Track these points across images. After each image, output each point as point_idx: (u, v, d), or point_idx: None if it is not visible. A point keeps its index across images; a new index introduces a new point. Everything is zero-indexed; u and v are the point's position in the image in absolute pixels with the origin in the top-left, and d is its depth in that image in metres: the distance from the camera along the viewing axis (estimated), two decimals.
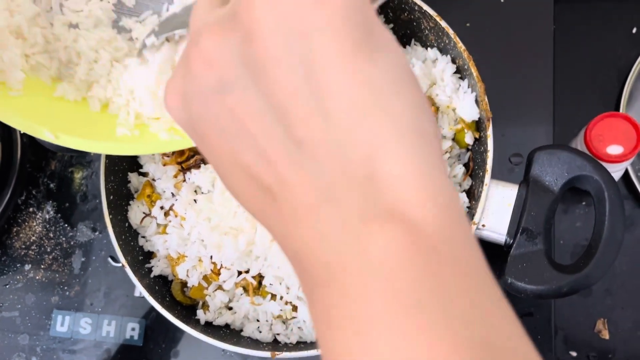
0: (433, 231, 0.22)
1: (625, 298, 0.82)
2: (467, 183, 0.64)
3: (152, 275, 0.67)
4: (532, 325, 0.72)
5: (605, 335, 0.82)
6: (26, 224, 0.91)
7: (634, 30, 0.91)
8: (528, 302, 0.72)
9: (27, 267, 0.89)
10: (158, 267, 0.67)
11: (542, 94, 0.79)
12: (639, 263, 0.83)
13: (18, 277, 0.89)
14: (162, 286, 0.68)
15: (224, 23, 0.24)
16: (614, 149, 0.75)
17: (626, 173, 0.85)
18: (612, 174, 0.80)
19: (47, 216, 0.91)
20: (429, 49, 0.66)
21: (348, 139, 0.22)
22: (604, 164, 0.74)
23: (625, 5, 0.92)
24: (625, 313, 0.82)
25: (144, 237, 0.69)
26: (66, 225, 0.90)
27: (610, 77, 0.89)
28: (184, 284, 0.66)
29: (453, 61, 0.65)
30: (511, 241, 0.56)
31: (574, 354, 0.83)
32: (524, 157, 0.77)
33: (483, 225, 0.58)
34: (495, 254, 0.61)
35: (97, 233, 0.88)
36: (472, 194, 0.63)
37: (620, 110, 0.87)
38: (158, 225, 0.67)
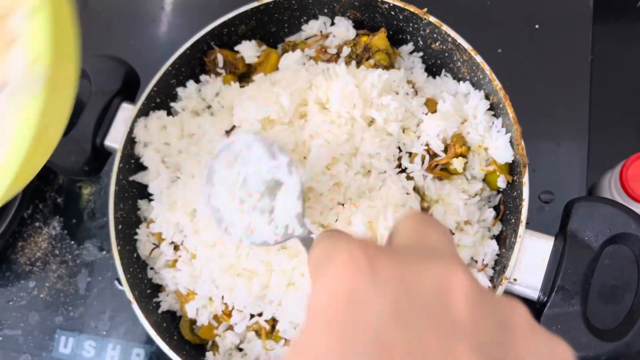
0: None
1: None
2: (497, 228, 0.60)
3: (160, 311, 0.64)
4: None
5: None
6: (32, 239, 0.88)
7: None
8: None
9: (32, 284, 0.87)
10: (166, 302, 0.64)
11: (577, 127, 0.74)
12: None
13: (22, 294, 0.86)
14: (170, 322, 0.64)
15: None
16: None
17: None
18: None
19: (53, 232, 0.88)
20: (460, 82, 0.62)
21: None
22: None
23: None
24: None
25: (152, 268, 0.66)
26: (72, 242, 0.87)
27: None
28: (193, 322, 0.63)
29: (486, 97, 0.61)
30: (545, 299, 0.52)
31: None
32: (555, 195, 0.73)
33: (515, 280, 0.54)
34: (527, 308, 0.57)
35: (103, 252, 0.85)
36: (502, 241, 0.59)
37: None
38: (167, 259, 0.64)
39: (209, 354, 0.62)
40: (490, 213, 0.60)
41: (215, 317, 0.61)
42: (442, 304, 0.24)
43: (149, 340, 0.80)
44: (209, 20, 0.68)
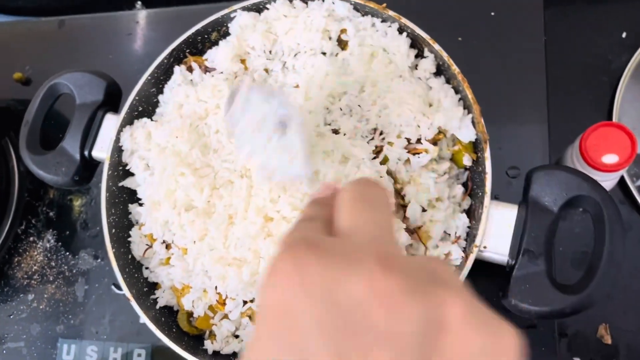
0: None
1: (626, 302, 0.83)
2: (467, 203, 0.64)
3: (157, 307, 0.67)
4: (536, 337, 0.72)
5: (608, 340, 0.83)
6: (27, 253, 0.91)
7: (624, 35, 0.92)
8: None
9: (31, 297, 0.90)
10: (163, 298, 0.68)
11: (537, 105, 0.79)
12: (638, 267, 0.84)
13: (22, 308, 0.89)
14: (167, 317, 0.68)
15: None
16: (609, 158, 0.76)
17: (622, 178, 0.85)
18: (609, 182, 0.81)
19: (47, 245, 0.91)
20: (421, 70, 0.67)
21: None
22: (601, 173, 0.75)
23: (614, 10, 0.93)
24: (627, 317, 0.83)
25: (147, 268, 0.69)
26: (68, 253, 0.90)
27: (602, 83, 0.90)
28: (190, 314, 0.67)
29: (447, 82, 0.66)
30: (513, 262, 0.57)
31: (577, 359, 0.84)
32: (521, 169, 0.78)
33: (485, 247, 0.58)
34: (497, 275, 0.61)
35: (99, 260, 0.88)
36: (472, 214, 0.63)
37: (614, 116, 0.88)
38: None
39: (207, 343, 0.65)
40: (459, 189, 0.64)
41: (211, 308, 0.65)
42: (362, 311, 0.24)
43: (149, 340, 0.83)
44: (182, 31, 0.72)
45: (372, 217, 0.30)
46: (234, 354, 0.66)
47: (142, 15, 0.96)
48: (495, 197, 0.63)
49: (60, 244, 0.91)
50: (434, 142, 0.62)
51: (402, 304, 0.24)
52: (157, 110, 0.73)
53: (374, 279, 0.25)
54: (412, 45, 0.67)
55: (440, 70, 0.66)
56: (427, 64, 0.66)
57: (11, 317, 0.89)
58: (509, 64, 0.81)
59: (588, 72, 0.90)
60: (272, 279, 0.27)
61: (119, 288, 0.85)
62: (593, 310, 0.84)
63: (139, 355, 0.84)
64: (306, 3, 0.69)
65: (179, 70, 0.71)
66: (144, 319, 0.64)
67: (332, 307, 0.25)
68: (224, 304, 0.63)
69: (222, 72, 0.70)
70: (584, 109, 0.88)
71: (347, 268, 0.26)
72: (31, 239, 0.92)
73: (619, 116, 0.88)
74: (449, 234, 0.62)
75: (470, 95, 0.61)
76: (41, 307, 0.89)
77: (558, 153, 0.84)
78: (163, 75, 0.72)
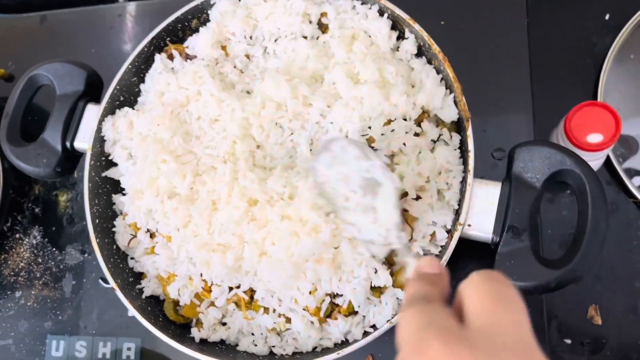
0: None
1: (614, 283, 0.83)
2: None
3: (143, 297, 0.67)
4: None
5: (598, 320, 0.83)
6: (13, 250, 0.90)
7: (607, 17, 0.92)
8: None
9: (18, 294, 0.89)
10: (149, 287, 0.67)
11: (520, 87, 0.79)
12: (625, 247, 0.84)
13: (9, 305, 0.88)
14: (154, 306, 0.67)
15: None
16: (594, 137, 0.75)
17: (608, 159, 0.85)
18: (594, 162, 0.81)
19: (34, 241, 0.90)
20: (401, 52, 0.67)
21: None
22: (586, 153, 0.75)
23: None
24: (616, 297, 0.83)
25: (132, 258, 0.69)
26: (54, 249, 0.89)
27: (586, 65, 0.90)
28: (176, 303, 0.66)
29: (429, 62, 0.66)
30: (498, 239, 0.57)
31: (568, 341, 0.83)
32: (507, 151, 0.78)
33: (469, 225, 0.58)
34: (483, 253, 0.61)
35: (86, 255, 0.87)
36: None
37: (599, 97, 0.88)
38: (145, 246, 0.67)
39: (194, 331, 0.65)
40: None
41: (197, 296, 0.64)
42: None
43: (138, 334, 0.83)
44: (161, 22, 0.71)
45: (512, 318, 0.32)
46: (222, 342, 0.65)
47: (124, 8, 0.95)
48: (481, 178, 0.63)
49: (46, 239, 0.90)
50: (419, 122, 0.61)
51: None
52: (139, 99, 0.72)
53: None
54: (392, 27, 0.66)
55: (422, 52, 0.66)
56: (408, 45, 0.66)
57: None
58: (492, 48, 0.81)
59: (572, 54, 0.90)
60: (423, 358, 0.29)
61: (107, 282, 0.84)
62: (582, 291, 0.84)
63: (129, 349, 0.83)
64: None
65: (159, 59, 0.71)
66: (129, 308, 0.63)
67: None
68: (209, 291, 0.63)
69: (202, 59, 0.69)
70: (569, 91, 0.88)
71: (507, 356, 0.28)
72: (17, 235, 0.91)
73: (603, 98, 0.88)
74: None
75: (451, 74, 0.61)
76: (29, 304, 0.88)
77: (544, 135, 0.84)
78: (144, 64, 0.72)
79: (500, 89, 0.80)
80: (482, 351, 0.29)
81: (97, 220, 0.67)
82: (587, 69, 0.90)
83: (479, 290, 0.33)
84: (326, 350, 0.61)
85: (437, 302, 0.35)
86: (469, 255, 0.61)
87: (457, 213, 0.59)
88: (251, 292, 0.63)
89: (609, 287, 0.84)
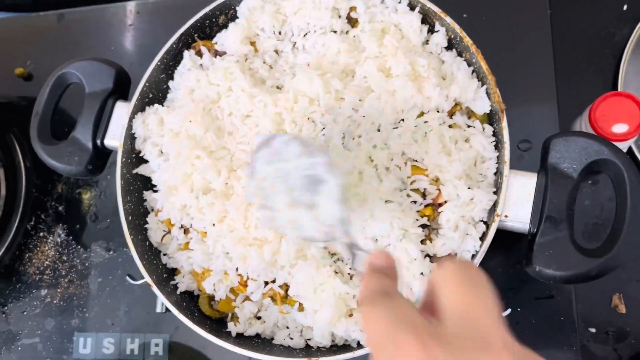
0: None
1: (638, 271, 0.84)
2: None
3: (178, 292, 0.67)
4: (554, 307, 0.73)
5: (622, 309, 0.83)
6: (38, 249, 0.91)
7: (625, 8, 0.92)
8: (548, 285, 0.73)
9: (44, 292, 0.89)
10: (183, 283, 0.67)
11: (544, 79, 0.79)
12: None
13: (35, 303, 0.88)
14: (189, 302, 0.68)
15: None
16: (619, 128, 0.76)
17: (629, 149, 0.86)
18: None
19: (58, 239, 0.90)
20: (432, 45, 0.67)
21: None
22: None
23: None
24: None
25: (165, 254, 0.69)
26: (79, 247, 0.89)
27: (606, 56, 0.90)
28: (211, 298, 0.66)
29: (459, 55, 0.66)
30: (535, 229, 0.57)
31: (592, 330, 0.84)
32: (532, 143, 0.78)
33: (506, 216, 0.58)
34: (519, 243, 0.62)
35: (111, 252, 0.88)
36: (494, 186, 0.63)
37: (619, 87, 0.89)
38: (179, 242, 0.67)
39: (230, 325, 0.65)
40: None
41: (232, 290, 0.65)
42: None
43: (166, 330, 0.83)
44: (184, 20, 0.71)
45: (483, 304, 0.31)
46: (257, 336, 0.66)
47: (143, 5, 0.95)
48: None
49: (71, 237, 0.90)
50: (451, 114, 0.62)
51: None
52: (168, 96, 0.72)
53: None
54: (422, 21, 0.67)
55: (452, 44, 0.67)
56: (439, 38, 0.66)
57: (24, 313, 0.88)
58: (515, 40, 0.81)
59: (592, 46, 0.90)
60: None
61: (134, 279, 0.84)
62: (606, 280, 0.85)
63: (157, 345, 0.84)
64: None
65: (188, 55, 0.71)
66: (167, 305, 0.64)
67: None
68: (245, 285, 0.63)
69: (232, 55, 0.69)
70: (589, 81, 0.88)
71: (479, 354, 0.28)
72: (41, 234, 0.91)
73: (623, 88, 0.89)
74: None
75: (484, 66, 0.61)
76: (55, 301, 0.88)
77: (566, 126, 0.85)
78: (172, 60, 0.72)
79: (523, 81, 0.80)
80: (455, 346, 0.29)
81: (129, 218, 0.67)
82: (607, 59, 0.91)
83: (449, 280, 0.33)
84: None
85: (398, 295, 0.35)
86: (499, 245, 0.62)
87: (494, 205, 0.59)
88: (286, 286, 0.63)
89: (633, 276, 0.84)
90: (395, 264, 0.40)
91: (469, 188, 0.58)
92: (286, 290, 0.63)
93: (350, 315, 0.60)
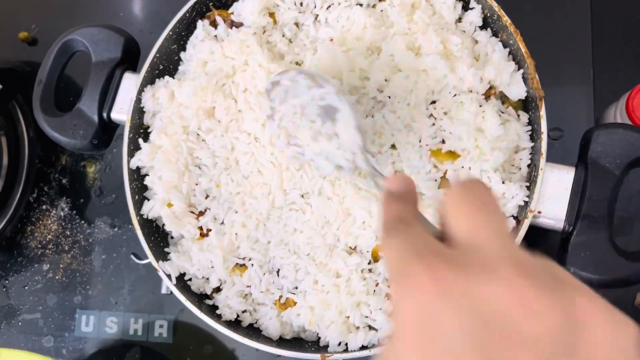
0: None
1: None
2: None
3: (186, 278, 0.64)
4: None
5: None
6: (40, 222, 0.87)
7: None
8: None
9: (46, 267, 0.86)
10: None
11: (581, 65, 0.75)
12: None
13: (37, 278, 0.86)
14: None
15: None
16: None
17: None
18: None
19: (61, 213, 0.87)
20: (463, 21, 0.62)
21: None
22: None
23: None
24: None
25: (172, 237, 0.66)
26: (83, 222, 0.86)
27: None
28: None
29: (495, 35, 0.61)
30: (570, 228, 0.53)
31: None
32: (565, 131, 0.74)
33: (539, 212, 0.54)
34: (552, 243, 0.58)
35: (116, 229, 0.84)
36: (526, 177, 0.59)
37: None
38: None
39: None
40: None
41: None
42: (505, 318, 0.25)
43: (171, 311, 0.80)
44: None
45: (492, 224, 0.30)
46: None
47: None
48: None
49: (74, 212, 0.87)
50: (487, 97, 0.57)
51: (542, 308, 0.25)
52: (180, 68, 0.68)
53: (514, 286, 0.25)
54: None
55: (487, 23, 0.62)
56: (474, 16, 0.61)
57: (26, 287, 0.86)
58: (553, 22, 0.76)
59: (631, 31, 0.85)
60: (408, 291, 0.27)
61: (139, 258, 0.82)
62: None
63: (161, 326, 0.81)
64: None
65: (201, 25, 0.66)
66: (171, 287, 0.61)
67: (475, 316, 0.25)
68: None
69: (249, 27, 0.65)
70: (627, 69, 0.83)
71: (485, 277, 0.26)
72: (44, 207, 0.87)
73: None
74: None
75: (523, 48, 0.57)
76: (57, 277, 0.85)
77: (598, 113, 0.80)
78: (185, 30, 0.67)
79: (558, 66, 0.75)
80: (464, 271, 0.27)
81: (136, 197, 0.64)
82: None
83: (458, 201, 0.31)
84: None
85: (415, 222, 0.34)
86: (530, 242, 0.58)
87: (527, 199, 0.55)
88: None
89: None
90: (415, 187, 0.38)
91: (502, 182, 0.54)
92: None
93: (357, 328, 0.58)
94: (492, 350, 0.25)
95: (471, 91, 0.57)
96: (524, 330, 0.25)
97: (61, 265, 0.85)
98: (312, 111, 0.52)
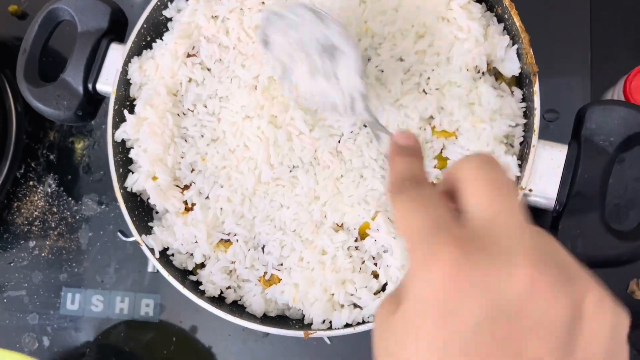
0: None
1: None
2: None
3: (169, 253, 0.63)
4: None
5: (639, 295, 0.79)
6: (27, 198, 0.86)
7: None
8: None
9: (32, 243, 0.85)
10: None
11: (578, 47, 0.73)
12: None
13: (23, 255, 0.84)
14: None
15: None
16: None
17: None
18: None
19: (49, 190, 0.86)
20: None
21: None
22: None
23: None
24: None
25: (157, 212, 0.64)
26: (70, 198, 0.85)
27: None
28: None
29: (490, 9, 0.59)
30: (561, 207, 0.52)
31: None
32: (560, 113, 0.72)
33: (530, 190, 0.53)
34: (541, 223, 0.56)
35: (103, 206, 0.83)
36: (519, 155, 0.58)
37: None
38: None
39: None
40: None
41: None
42: (523, 306, 0.26)
43: (158, 290, 0.79)
44: None
45: (510, 207, 0.29)
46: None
47: None
48: None
49: (62, 188, 0.85)
50: (481, 72, 0.56)
51: (558, 296, 0.26)
52: (164, 38, 0.66)
53: (534, 274, 0.26)
54: None
55: None
56: None
57: (11, 264, 0.84)
58: (550, 4, 0.75)
59: (631, 14, 0.83)
60: (428, 274, 0.27)
61: (126, 235, 0.80)
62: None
63: (147, 305, 0.80)
64: None
65: None
66: (156, 264, 0.59)
67: (494, 303, 0.26)
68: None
69: None
70: (625, 52, 0.82)
71: (506, 270, 0.26)
72: (31, 183, 0.86)
73: None
74: None
75: (518, 22, 0.55)
76: (43, 254, 0.84)
77: (596, 98, 0.79)
78: (172, 0, 0.66)
79: (554, 47, 0.74)
80: (489, 252, 0.27)
81: (120, 170, 0.63)
82: None
83: (477, 181, 0.30)
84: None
85: (426, 182, 0.33)
86: None
87: (518, 177, 0.54)
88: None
89: None
90: (419, 146, 0.37)
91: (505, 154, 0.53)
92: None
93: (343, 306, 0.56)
94: (507, 338, 0.26)
95: (468, 69, 0.56)
96: (540, 321, 0.26)
97: (47, 243, 0.84)
98: (313, 46, 0.51)
